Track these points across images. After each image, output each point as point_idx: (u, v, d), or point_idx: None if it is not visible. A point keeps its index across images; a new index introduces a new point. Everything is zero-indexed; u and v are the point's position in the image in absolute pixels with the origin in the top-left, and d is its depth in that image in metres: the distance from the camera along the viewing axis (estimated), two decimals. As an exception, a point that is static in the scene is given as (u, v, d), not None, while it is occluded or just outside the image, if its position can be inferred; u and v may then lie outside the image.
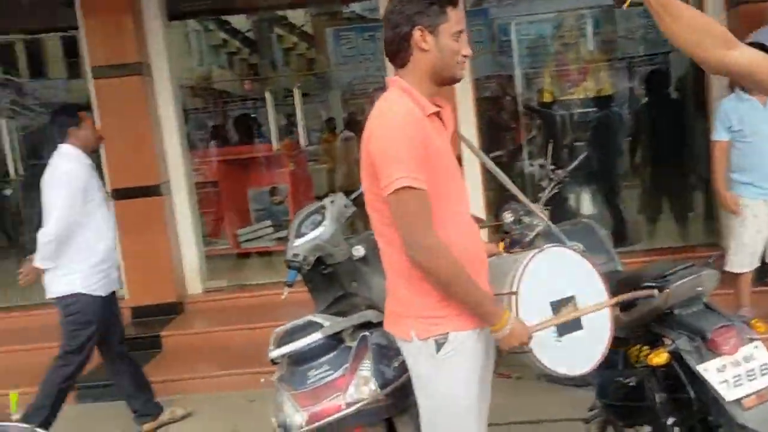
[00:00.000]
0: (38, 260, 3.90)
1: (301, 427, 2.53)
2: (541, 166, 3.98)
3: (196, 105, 12.57)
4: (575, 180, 6.79)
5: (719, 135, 4.40)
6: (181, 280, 5.98)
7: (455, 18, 2.10)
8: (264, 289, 5.63)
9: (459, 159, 2.51)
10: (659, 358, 2.54)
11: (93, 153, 4.10)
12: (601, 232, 3.50)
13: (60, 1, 6.18)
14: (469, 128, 5.57)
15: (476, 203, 5.43)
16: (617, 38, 8.58)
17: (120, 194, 5.75)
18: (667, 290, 2.56)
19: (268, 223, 7.64)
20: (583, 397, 3.21)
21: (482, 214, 5.28)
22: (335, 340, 2.74)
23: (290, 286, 3.16)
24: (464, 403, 2.14)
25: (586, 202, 7.04)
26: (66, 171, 3.92)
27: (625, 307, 2.68)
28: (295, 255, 3.09)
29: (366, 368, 2.62)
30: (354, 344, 2.73)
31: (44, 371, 4.01)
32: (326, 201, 3.29)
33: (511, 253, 2.74)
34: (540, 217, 2.95)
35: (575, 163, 4.08)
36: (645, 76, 7.13)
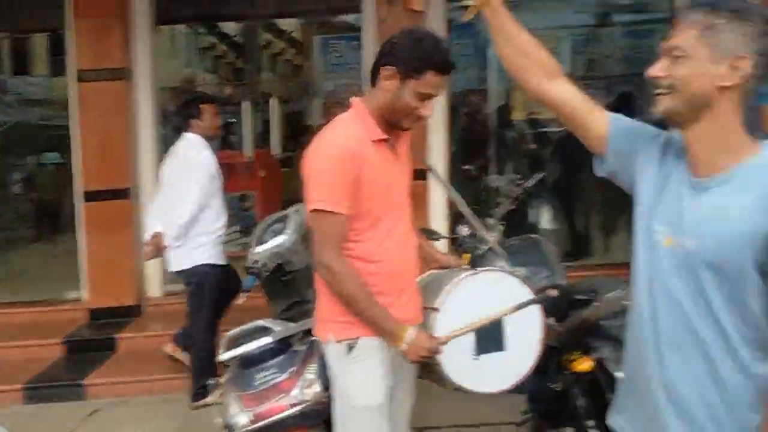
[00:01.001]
0: (170, 239, 4.23)
1: (245, 427, 2.65)
2: (517, 185, 4.13)
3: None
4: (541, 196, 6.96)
5: None
6: (141, 283, 6.05)
7: (432, 83, 2.16)
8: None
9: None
10: (582, 365, 2.71)
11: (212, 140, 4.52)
12: (548, 248, 3.65)
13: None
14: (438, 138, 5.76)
15: (440, 217, 5.66)
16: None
17: (89, 196, 5.88)
18: (596, 303, 2.72)
19: (237, 228, 7.72)
20: (520, 402, 3.31)
21: (444, 227, 5.43)
22: (284, 344, 2.87)
23: (248, 291, 3.30)
24: (370, 402, 2.29)
25: (544, 218, 7.17)
26: (201, 159, 4.27)
27: (559, 318, 2.84)
28: (255, 261, 3.23)
29: (312, 372, 2.75)
30: (303, 348, 2.86)
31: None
32: (290, 210, 3.43)
33: (467, 268, 2.86)
34: (486, 236, 3.08)
35: (531, 181, 4.24)
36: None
